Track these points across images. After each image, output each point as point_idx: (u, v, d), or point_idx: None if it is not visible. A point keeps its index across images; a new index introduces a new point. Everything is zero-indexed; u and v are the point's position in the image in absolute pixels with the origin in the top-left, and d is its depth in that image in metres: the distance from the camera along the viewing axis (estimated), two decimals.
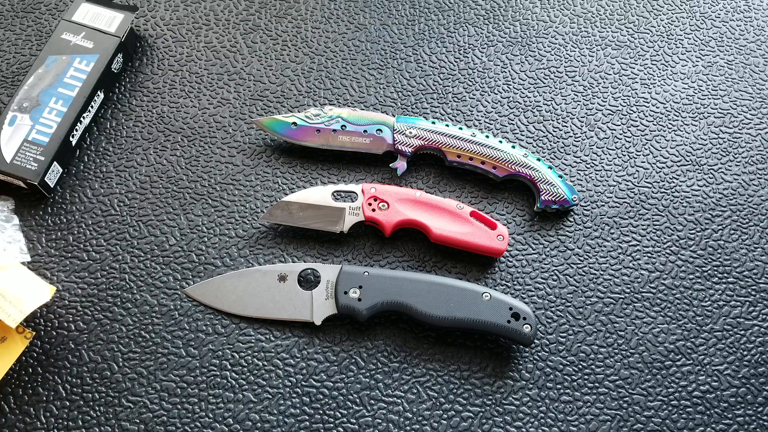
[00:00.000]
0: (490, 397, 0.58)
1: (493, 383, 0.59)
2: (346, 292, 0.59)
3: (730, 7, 0.77)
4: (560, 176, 0.65)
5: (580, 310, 0.62)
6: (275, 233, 0.64)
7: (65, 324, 0.59)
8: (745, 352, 0.61)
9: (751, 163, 0.69)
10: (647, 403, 0.59)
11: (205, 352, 0.59)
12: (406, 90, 0.71)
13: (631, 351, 0.61)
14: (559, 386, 0.59)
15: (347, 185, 0.63)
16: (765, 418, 0.59)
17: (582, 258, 0.64)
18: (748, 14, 0.77)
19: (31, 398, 0.57)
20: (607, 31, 0.75)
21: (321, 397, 0.58)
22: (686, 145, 0.69)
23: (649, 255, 0.64)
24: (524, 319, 0.58)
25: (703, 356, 0.61)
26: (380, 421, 0.57)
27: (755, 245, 0.65)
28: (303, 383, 0.58)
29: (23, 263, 0.60)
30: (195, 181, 0.65)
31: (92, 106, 0.66)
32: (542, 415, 0.58)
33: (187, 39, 0.72)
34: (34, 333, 0.58)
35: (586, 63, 0.73)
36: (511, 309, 0.58)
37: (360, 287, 0.59)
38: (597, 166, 0.68)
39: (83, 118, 0.65)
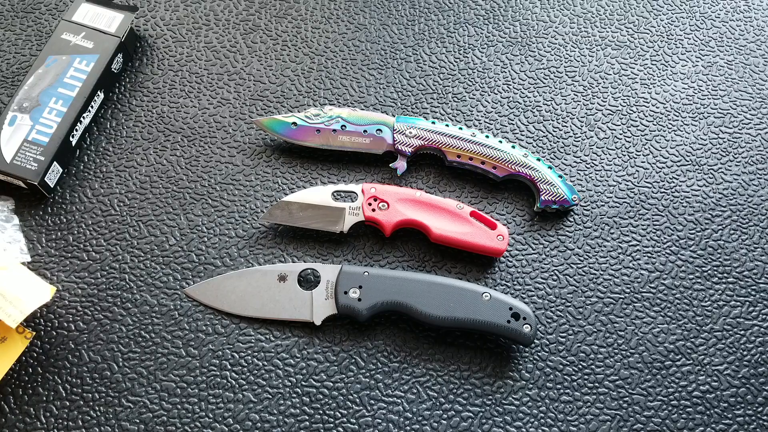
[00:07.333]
0: (490, 397, 0.58)
1: (493, 383, 0.59)
2: (346, 292, 0.59)
3: (730, 7, 0.77)
4: (560, 176, 0.65)
5: (580, 310, 0.62)
6: (275, 233, 0.64)
7: (65, 324, 0.59)
8: (745, 352, 0.61)
9: (751, 163, 0.69)
10: (647, 403, 0.59)
11: (205, 352, 0.59)
12: (406, 90, 0.71)
13: (631, 351, 0.61)
14: (559, 386, 0.59)
15: (347, 185, 0.63)
16: (765, 418, 0.59)
17: (582, 258, 0.64)
18: (748, 14, 0.77)
19: (31, 398, 0.57)
20: (607, 31, 0.75)
21: (321, 397, 0.58)
22: (686, 145, 0.69)
23: (649, 255, 0.64)
24: (524, 319, 0.58)
25: (703, 356, 0.61)
26: (380, 421, 0.57)
27: (755, 245, 0.65)
28: (303, 383, 0.58)
29: (23, 263, 0.60)
30: (195, 181, 0.65)
31: (92, 106, 0.66)
32: (542, 415, 0.58)
33: (187, 39, 0.72)
34: (34, 333, 0.58)
35: (586, 63, 0.73)
36: (511, 309, 0.58)
37: (360, 287, 0.59)
38: (597, 166, 0.68)
39: (83, 118, 0.65)
